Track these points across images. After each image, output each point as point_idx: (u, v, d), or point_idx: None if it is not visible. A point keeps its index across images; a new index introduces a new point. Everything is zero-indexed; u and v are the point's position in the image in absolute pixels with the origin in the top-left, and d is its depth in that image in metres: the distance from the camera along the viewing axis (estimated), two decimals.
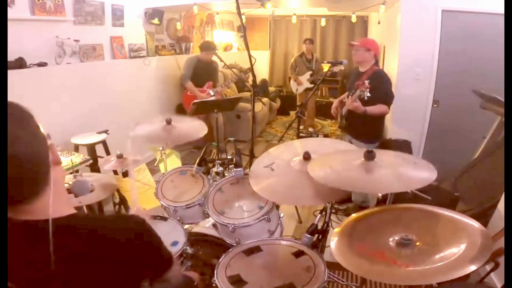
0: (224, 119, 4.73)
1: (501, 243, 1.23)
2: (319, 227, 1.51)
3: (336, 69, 5.44)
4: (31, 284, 0.69)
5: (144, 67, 4.35)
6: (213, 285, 1.30)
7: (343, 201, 3.14)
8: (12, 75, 2.53)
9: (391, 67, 3.97)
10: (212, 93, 4.39)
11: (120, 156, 2.04)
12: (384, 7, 4.00)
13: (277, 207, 1.68)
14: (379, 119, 2.85)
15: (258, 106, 5.36)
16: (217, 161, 2.09)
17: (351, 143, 2.83)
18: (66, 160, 2.43)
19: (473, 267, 0.92)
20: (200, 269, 1.69)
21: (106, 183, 1.88)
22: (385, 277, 1.07)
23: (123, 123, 3.92)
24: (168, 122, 2.06)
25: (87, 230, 0.75)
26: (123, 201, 2.49)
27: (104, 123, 3.34)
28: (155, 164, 2.58)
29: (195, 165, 1.89)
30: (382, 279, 1.55)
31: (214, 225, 1.71)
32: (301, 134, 3.42)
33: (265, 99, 5.91)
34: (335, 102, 3.12)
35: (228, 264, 1.40)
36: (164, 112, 4.64)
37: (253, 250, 1.47)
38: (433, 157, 1.31)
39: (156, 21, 4.52)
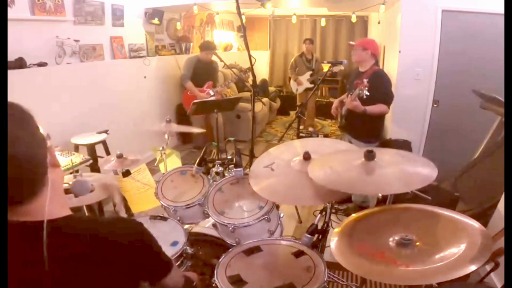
0: (224, 119, 4.73)
1: (501, 243, 1.23)
2: (319, 227, 1.51)
3: (336, 69, 5.45)
4: (27, 285, 0.69)
5: (144, 67, 4.35)
6: (213, 285, 1.30)
7: (343, 201, 3.14)
8: (12, 75, 2.53)
9: (391, 67, 3.97)
10: (212, 93, 4.39)
11: (120, 156, 2.04)
12: (384, 7, 4.00)
13: (277, 207, 1.68)
14: (379, 118, 2.85)
15: (258, 106, 5.37)
16: (217, 161, 2.10)
17: (351, 142, 2.83)
18: (66, 160, 2.43)
19: (473, 267, 0.92)
20: (200, 269, 1.69)
21: (106, 183, 1.88)
22: (385, 277, 1.07)
23: (123, 123, 3.93)
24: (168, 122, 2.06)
25: (83, 232, 0.75)
26: (123, 201, 2.49)
27: (104, 123, 3.34)
28: (155, 164, 2.58)
29: (195, 165, 1.89)
30: (382, 279, 1.55)
31: (214, 225, 1.71)
32: (301, 134, 3.42)
33: (265, 99, 5.91)
34: (335, 102, 3.12)
35: (228, 264, 1.40)
36: (164, 112, 4.64)
37: (253, 250, 1.47)
38: (433, 157, 1.30)
39: (156, 21, 4.52)
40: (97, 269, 0.73)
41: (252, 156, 3.01)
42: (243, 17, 3.27)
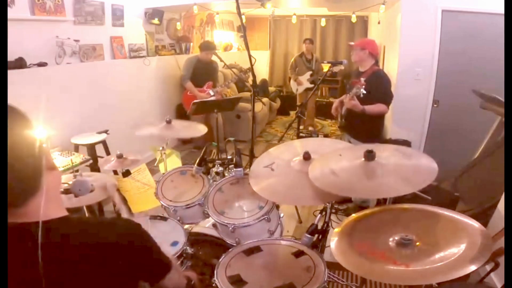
0: (224, 119, 4.73)
1: (501, 243, 1.24)
2: (319, 227, 1.51)
3: (336, 69, 5.45)
4: (24, 287, 0.69)
5: (144, 67, 4.35)
6: (213, 285, 1.30)
7: (343, 201, 3.14)
8: (12, 75, 2.53)
9: (391, 67, 3.97)
10: (212, 93, 4.39)
11: (120, 156, 2.05)
12: (384, 7, 4.01)
13: (277, 207, 1.68)
14: (378, 118, 2.85)
15: (258, 106, 5.37)
16: (217, 161, 2.10)
17: (350, 142, 2.83)
18: (66, 160, 2.43)
19: (473, 267, 0.92)
20: (200, 269, 1.69)
21: (106, 183, 1.88)
22: (385, 277, 1.07)
23: (123, 123, 3.92)
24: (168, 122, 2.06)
25: (79, 233, 0.75)
26: (123, 201, 2.49)
27: (104, 123, 3.34)
28: (155, 164, 2.58)
29: (195, 165, 1.89)
30: (382, 279, 1.55)
31: (214, 225, 1.71)
32: (301, 134, 3.42)
33: (265, 99, 5.91)
34: (336, 102, 3.12)
35: (228, 264, 1.40)
36: (164, 112, 4.64)
37: (253, 250, 1.47)
38: (433, 157, 1.30)
39: (156, 21, 4.52)
40: (94, 270, 0.73)
41: (252, 156, 3.01)
42: (243, 17, 3.27)
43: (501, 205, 2.05)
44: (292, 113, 6.86)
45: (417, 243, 1.08)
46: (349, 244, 1.15)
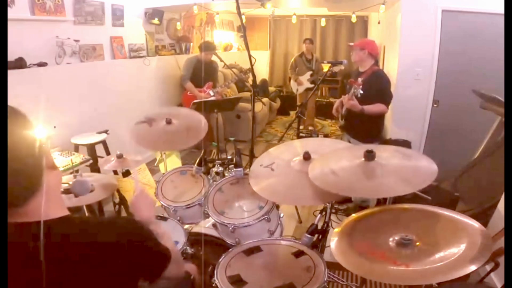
0: (224, 119, 4.73)
1: (501, 243, 1.24)
2: (319, 227, 1.51)
3: (336, 69, 5.45)
4: (25, 286, 0.69)
5: (144, 67, 4.35)
6: (213, 285, 1.30)
7: (343, 201, 3.14)
8: (12, 75, 2.53)
9: (391, 67, 3.97)
10: (212, 94, 4.39)
11: (120, 156, 2.05)
12: (384, 7, 4.00)
13: (277, 207, 1.68)
14: (378, 118, 2.85)
15: (258, 106, 5.37)
16: (217, 161, 2.10)
17: (350, 142, 2.83)
18: (66, 160, 2.43)
19: (473, 267, 0.92)
20: (200, 269, 1.69)
21: (106, 183, 1.88)
22: (385, 277, 1.07)
23: (123, 123, 3.92)
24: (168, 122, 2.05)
25: (80, 232, 0.75)
26: (123, 201, 2.49)
27: (104, 123, 3.33)
28: (155, 164, 2.58)
29: (195, 165, 1.89)
30: (382, 279, 1.55)
31: (214, 225, 1.71)
32: (301, 134, 3.42)
33: (265, 99, 5.91)
34: (337, 103, 3.12)
35: (228, 264, 1.40)
36: None
37: (253, 250, 1.47)
38: (433, 157, 1.30)
39: (156, 21, 4.52)
40: (94, 270, 0.73)
41: (252, 156, 3.01)
42: (243, 17, 3.27)
43: (501, 205, 2.05)
44: (292, 113, 6.85)
45: (417, 243, 1.08)
46: (349, 244, 1.15)
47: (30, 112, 0.73)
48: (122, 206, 2.54)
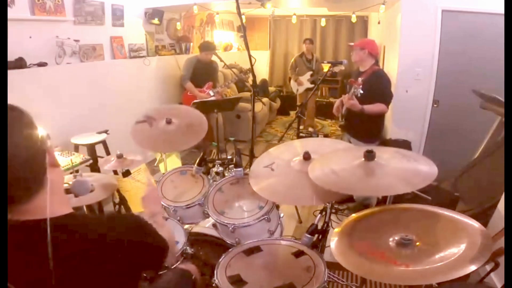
0: (224, 119, 4.73)
1: (501, 243, 1.23)
2: (319, 227, 1.51)
3: (336, 69, 5.45)
4: (29, 284, 0.69)
5: (144, 67, 4.34)
6: (213, 285, 1.30)
7: (343, 201, 3.13)
8: (12, 75, 2.53)
9: (391, 67, 3.97)
10: (212, 94, 4.39)
11: (120, 156, 2.05)
12: (384, 7, 4.00)
13: (277, 207, 1.69)
14: (378, 118, 2.85)
15: (258, 106, 5.36)
16: (217, 161, 2.10)
17: (350, 142, 2.83)
18: (66, 160, 2.43)
19: (473, 267, 0.93)
20: (200, 269, 1.69)
21: (106, 183, 1.88)
22: (385, 277, 1.07)
23: (123, 123, 3.92)
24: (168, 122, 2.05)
25: (85, 229, 0.76)
26: (123, 201, 2.49)
27: (104, 123, 3.33)
28: (155, 164, 2.58)
29: (195, 165, 1.89)
30: (382, 279, 1.55)
31: (214, 225, 1.71)
32: (301, 134, 3.42)
33: (265, 99, 5.90)
34: (337, 102, 3.11)
35: (228, 264, 1.40)
36: None
37: (253, 250, 1.48)
38: (433, 157, 1.30)
39: (156, 21, 4.52)
40: (98, 264, 0.74)
41: (252, 156, 3.01)
42: (243, 17, 3.27)
43: (501, 205, 2.05)
44: (292, 113, 6.85)
45: (417, 243, 1.08)
46: (349, 244, 1.15)
47: (30, 112, 0.73)
48: (122, 206, 2.54)
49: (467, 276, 1.23)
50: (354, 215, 1.32)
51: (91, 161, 2.70)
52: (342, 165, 1.35)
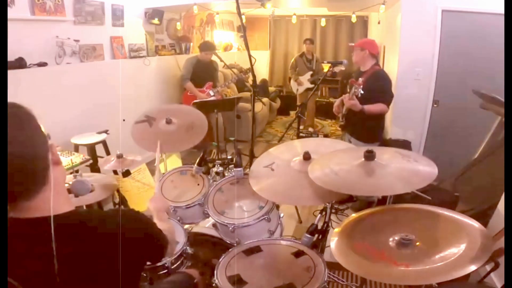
0: (224, 119, 4.73)
1: (501, 243, 1.23)
2: (319, 227, 1.51)
3: (336, 69, 5.44)
4: (33, 280, 0.70)
5: (144, 67, 4.34)
6: (213, 285, 1.30)
7: (343, 201, 3.13)
8: (12, 75, 2.53)
9: (391, 67, 3.97)
10: (212, 94, 4.39)
11: (120, 156, 2.05)
12: (384, 7, 4.00)
13: (277, 207, 1.68)
14: (378, 118, 2.85)
15: (258, 106, 5.36)
16: (217, 161, 2.10)
17: (350, 142, 2.83)
18: (66, 160, 2.43)
19: (473, 267, 0.93)
20: (200, 269, 1.69)
21: (106, 183, 1.88)
22: (385, 277, 1.07)
23: (123, 123, 3.92)
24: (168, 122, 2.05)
25: (87, 226, 0.76)
26: (123, 201, 2.49)
27: (104, 123, 3.33)
28: (155, 164, 2.58)
29: (195, 165, 1.89)
30: (382, 279, 1.55)
31: (214, 225, 1.71)
32: (301, 134, 3.42)
33: (265, 99, 5.90)
34: (338, 101, 3.11)
35: (228, 264, 1.40)
36: None
37: (253, 250, 1.47)
38: (433, 157, 1.30)
39: (156, 21, 4.52)
40: (101, 261, 0.75)
41: (252, 156, 3.01)
42: (243, 17, 3.26)
43: (501, 205, 2.05)
44: (292, 113, 6.85)
45: (417, 243, 1.08)
46: (349, 244, 1.15)
47: None
48: (122, 206, 2.54)
49: (467, 276, 1.23)
50: (354, 215, 1.32)
51: (91, 161, 2.70)
52: (342, 165, 1.35)
